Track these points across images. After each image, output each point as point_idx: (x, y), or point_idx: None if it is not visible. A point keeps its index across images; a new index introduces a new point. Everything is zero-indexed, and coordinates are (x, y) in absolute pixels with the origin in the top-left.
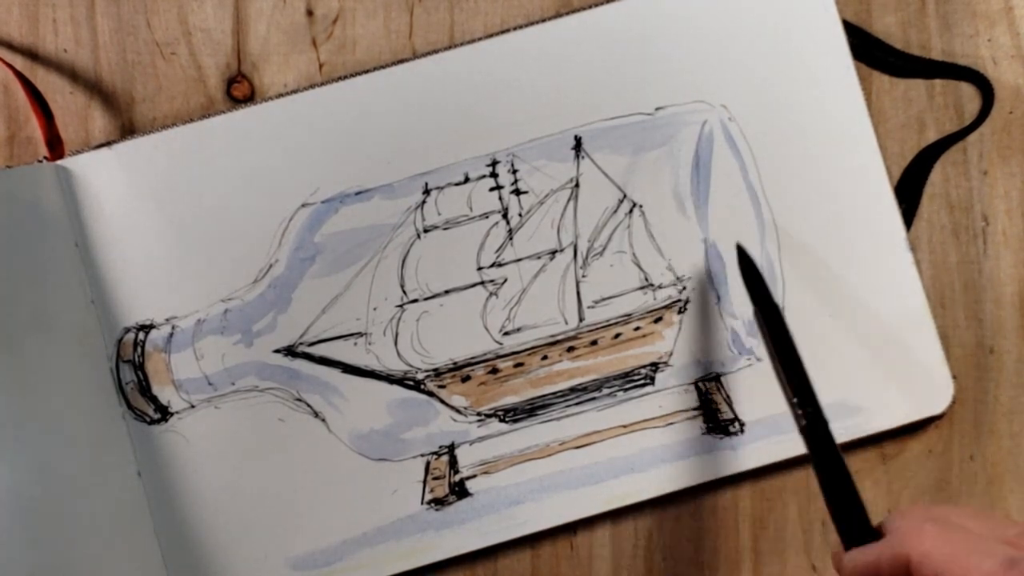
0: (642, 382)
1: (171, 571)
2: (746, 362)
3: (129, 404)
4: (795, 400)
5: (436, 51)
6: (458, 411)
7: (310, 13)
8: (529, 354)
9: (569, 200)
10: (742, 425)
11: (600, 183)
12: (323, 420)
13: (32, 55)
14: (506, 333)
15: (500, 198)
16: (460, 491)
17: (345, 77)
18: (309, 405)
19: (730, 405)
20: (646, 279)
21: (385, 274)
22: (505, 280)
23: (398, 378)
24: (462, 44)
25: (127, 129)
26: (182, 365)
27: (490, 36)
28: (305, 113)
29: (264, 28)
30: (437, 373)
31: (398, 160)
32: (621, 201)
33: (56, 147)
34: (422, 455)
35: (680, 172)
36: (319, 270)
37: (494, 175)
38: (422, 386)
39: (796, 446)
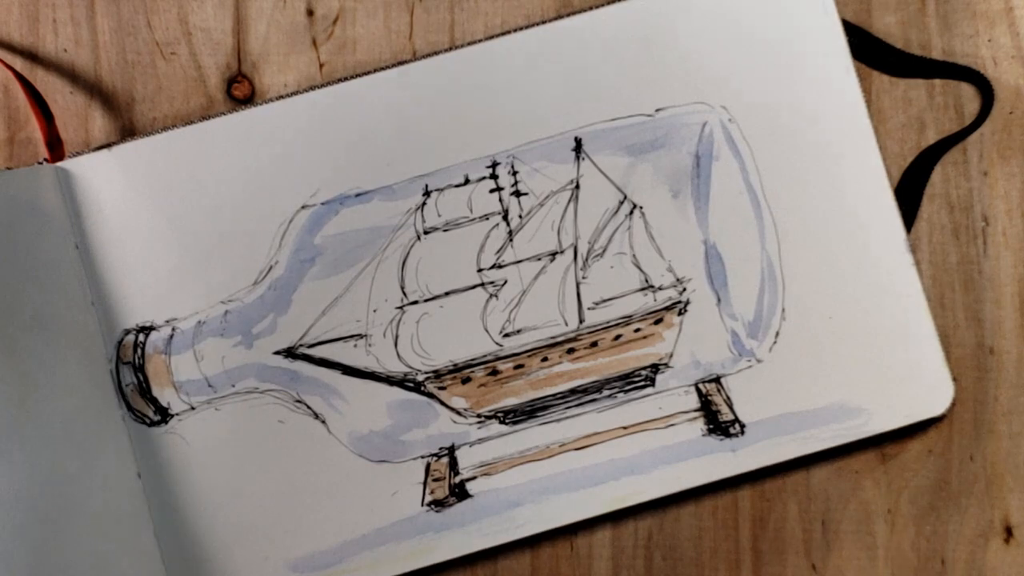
0: (642, 384)
1: (171, 573)
2: (746, 363)
3: (129, 406)
4: None
5: (436, 52)
6: (458, 413)
7: (310, 13)
8: (529, 356)
9: (569, 202)
10: (742, 427)
11: (600, 184)
12: (323, 422)
13: (32, 55)
14: (506, 335)
15: (500, 200)
16: (460, 493)
17: (345, 78)
18: (309, 407)
19: (730, 406)
20: (646, 280)
21: (385, 276)
22: (505, 282)
23: (398, 380)
24: (462, 45)
25: (127, 129)
26: (182, 367)
27: (490, 37)
28: (305, 115)
29: (264, 28)
30: (437, 375)
31: (398, 162)
32: (621, 202)
33: (56, 148)
34: (422, 457)
35: (680, 173)
36: (319, 272)
37: (494, 177)
38: (422, 388)
39: (796, 447)
